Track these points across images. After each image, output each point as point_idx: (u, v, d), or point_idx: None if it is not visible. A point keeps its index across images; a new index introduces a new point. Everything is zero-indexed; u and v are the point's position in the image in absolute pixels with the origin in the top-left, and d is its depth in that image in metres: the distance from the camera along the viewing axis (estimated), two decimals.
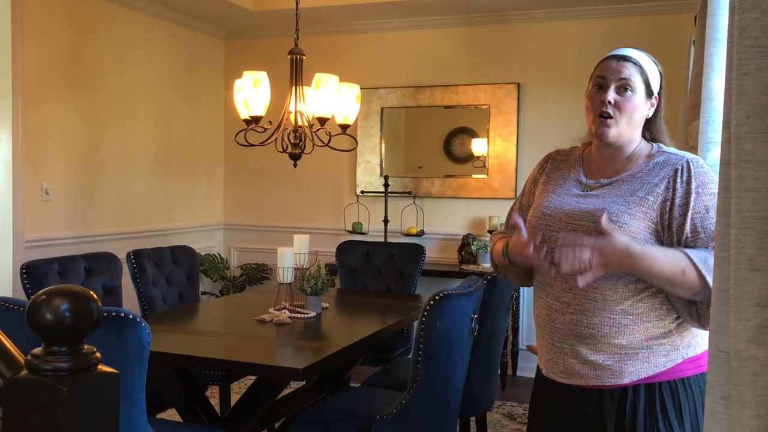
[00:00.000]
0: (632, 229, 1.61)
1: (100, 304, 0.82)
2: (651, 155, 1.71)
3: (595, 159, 1.79)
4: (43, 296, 0.80)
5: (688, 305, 1.60)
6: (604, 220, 1.54)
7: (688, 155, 1.68)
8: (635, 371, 1.63)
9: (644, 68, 1.69)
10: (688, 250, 1.56)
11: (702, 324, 1.62)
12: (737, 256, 1.02)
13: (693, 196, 1.61)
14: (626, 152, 1.74)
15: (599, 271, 1.53)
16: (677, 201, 1.62)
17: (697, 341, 1.67)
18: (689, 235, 1.60)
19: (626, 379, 1.63)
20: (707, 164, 1.70)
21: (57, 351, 0.79)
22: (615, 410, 1.65)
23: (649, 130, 1.76)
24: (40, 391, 0.78)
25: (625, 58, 1.69)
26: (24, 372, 0.80)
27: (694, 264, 1.53)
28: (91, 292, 0.83)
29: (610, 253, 1.52)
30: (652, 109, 1.73)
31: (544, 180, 1.87)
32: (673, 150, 1.72)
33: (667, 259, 1.54)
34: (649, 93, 1.70)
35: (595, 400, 1.67)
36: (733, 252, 1.03)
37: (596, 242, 1.51)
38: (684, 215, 1.61)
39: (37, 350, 0.81)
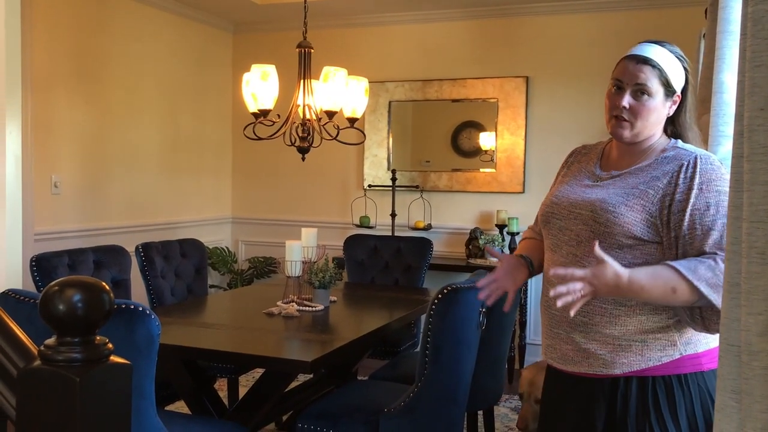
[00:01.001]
0: (627, 220, 1.61)
1: (112, 295, 0.83)
2: (664, 150, 1.70)
3: (613, 152, 1.80)
4: (56, 287, 0.80)
5: (690, 309, 1.59)
6: (596, 249, 1.52)
7: (700, 152, 1.66)
8: (627, 363, 1.63)
9: (664, 69, 1.65)
10: (678, 263, 1.54)
11: (706, 327, 1.59)
12: (749, 249, 1.01)
13: (695, 192, 1.59)
14: (642, 147, 1.72)
15: (588, 298, 1.53)
16: (677, 197, 1.60)
17: (698, 339, 1.65)
18: (686, 232, 1.58)
19: (618, 370, 1.63)
20: (720, 160, 1.67)
21: (70, 342, 0.80)
22: (606, 400, 1.65)
23: (673, 125, 1.73)
24: (53, 382, 0.78)
25: (645, 60, 1.65)
26: (37, 362, 0.80)
27: (683, 277, 1.51)
28: (103, 283, 0.83)
29: (599, 285, 1.51)
30: (674, 107, 1.70)
31: (564, 173, 1.90)
32: (687, 146, 1.69)
33: (656, 284, 1.53)
34: (670, 92, 1.67)
35: (587, 387, 1.68)
36: (744, 246, 1.02)
37: (586, 274, 1.50)
38: (683, 211, 1.59)
39: (50, 341, 0.81)
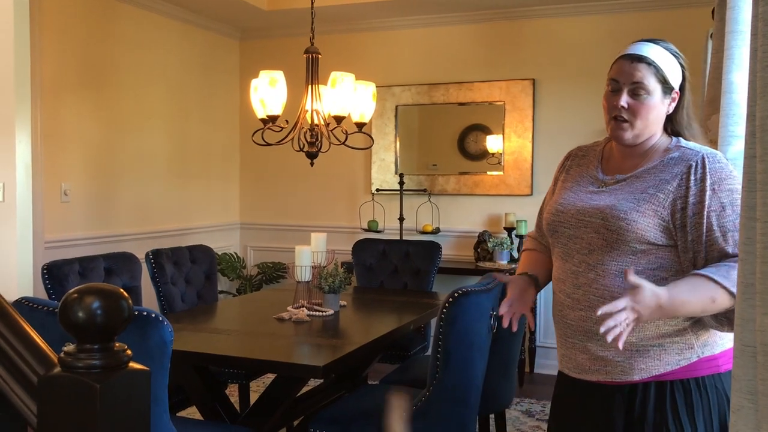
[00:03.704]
0: (640, 226, 1.59)
1: (130, 302, 0.83)
2: (668, 150, 1.67)
3: (614, 154, 1.76)
4: (75, 294, 0.81)
5: (717, 315, 1.57)
6: (630, 275, 1.47)
7: (705, 150, 1.62)
8: (645, 368, 1.61)
9: (660, 66, 1.63)
10: (712, 272, 1.50)
11: (732, 328, 1.56)
12: (763, 250, 1.01)
13: (708, 193, 1.56)
14: (644, 147, 1.69)
15: (634, 324, 1.49)
16: (691, 199, 1.57)
17: (715, 340, 1.63)
18: (705, 235, 1.56)
19: (636, 376, 1.61)
20: (726, 158, 1.64)
21: (89, 349, 0.81)
22: (624, 407, 1.63)
23: (672, 123, 1.70)
24: (73, 389, 0.79)
25: (640, 59, 1.63)
26: (57, 369, 0.81)
27: (722, 286, 1.49)
28: (121, 290, 0.84)
29: (642, 309, 1.47)
30: (674, 104, 1.68)
31: (563, 177, 1.86)
32: (690, 145, 1.66)
33: (696, 297, 1.51)
34: (667, 90, 1.65)
35: (605, 395, 1.65)
36: (759, 246, 1.02)
37: (627, 303, 1.45)
38: (699, 214, 1.56)
39: (70, 348, 0.82)
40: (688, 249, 1.58)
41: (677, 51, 1.69)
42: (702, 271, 1.53)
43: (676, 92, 1.67)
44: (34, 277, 3.79)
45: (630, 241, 1.60)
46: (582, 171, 1.80)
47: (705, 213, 1.56)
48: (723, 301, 1.51)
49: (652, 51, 1.64)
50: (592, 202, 1.68)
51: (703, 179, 1.57)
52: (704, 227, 1.56)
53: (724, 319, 1.57)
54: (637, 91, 1.63)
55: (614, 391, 1.64)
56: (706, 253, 1.57)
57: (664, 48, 1.66)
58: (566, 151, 1.94)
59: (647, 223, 1.59)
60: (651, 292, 1.46)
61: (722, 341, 1.63)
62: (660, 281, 1.58)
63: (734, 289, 1.46)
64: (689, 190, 1.58)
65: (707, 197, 1.56)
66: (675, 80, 1.66)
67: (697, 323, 1.61)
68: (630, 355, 1.61)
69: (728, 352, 1.62)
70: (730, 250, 1.54)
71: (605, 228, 1.62)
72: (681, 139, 1.69)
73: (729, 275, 1.49)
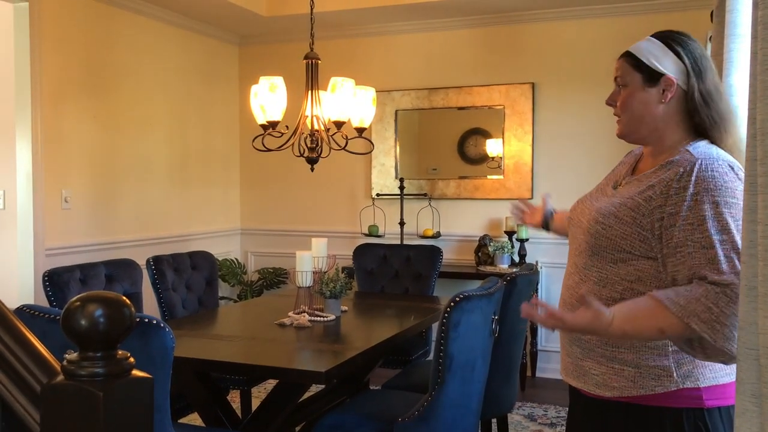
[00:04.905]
0: (616, 233, 1.52)
1: (133, 309, 0.83)
2: (677, 152, 1.53)
3: (643, 156, 1.70)
4: (78, 302, 0.81)
5: (689, 339, 1.42)
6: (584, 293, 1.43)
7: (707, 155, 1.47)
8: (618, 387, 1.53)
9: (638, 55, 1.55)
10: (664, 297, 1.38)
11: (707, 356, 1.42)
12: (765, 252, 1.01)
13: (687, 204, 1.42)
14: (659, 149, 1.59)
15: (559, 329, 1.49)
16: (668, 209, 1.45)
17: (702, 372, 1.49)
18: (677, 250, 1.43)
19: (608, 393, 1.55)
20: (732, 166, 1.47)
21: (92, 357, 0.81)
22: (599, 420, 1.59)
23: (696, 122, 1.55)
24: (76, 397, 0.79)
25: (623, 55, 1.61)
26: (60, 378, 0.81)
27: (673, 313, 1.36)
28: (124, 298, 0.84)
29: (572, 320, 1.42)
30: (669, 93, 1.53)
31: (607, 175, 1.82)
32: (700, 149, 1.50)
33: (639, 325, 1.41)
34: (650, 77, 1.54)
35: (583, 404, 1.64)
36: (760, 249, 1.02)
37: (564, 316, 1.43)
38: (673, 226, 1.43)
39: (73, 356, 0.82)
40: (666, 263, 1.46)
41: (678, 39, 1.56)
42: (658, 294, 1.40)
43: (669, 77, 1.52)
44: (34, 284, 3.79)
45: (607, 247, 1.53)
46: (618, 170, 1.77)
47: (678, 226, 1.42)
48: (676, 330, 1.38)
49: (637, 44, 1.59)
50: (595, 203, 1.65)
51: (685, 188, 1.43)
52: (675, 241, 1.43)
53: (698, 347, 1.42)
54: (619, 84, 1.61)
55: (591, 402, 1.61)
56: (679, 270, 1.43)
57: (657, 38, 1.57)
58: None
59: (624, 230, 1.51)
60: (586, 320, 1.39)
61: (713, 374, 1.49)
62: (637, 296, 1.50)
63: (689, 320, 1.34)
64: (668, 199, 1.45)
65: (684, 208, 1.42)
66: (665, 67, 1.53)
67: (679, 352, 1.49)
68: (606, 370, 1.55)
69: (717, 389, 1.49)
70: (702, 270, 1.39)
71: (587, 231, 1.59)
72: (696, 142, 1.54)
73: (687, 305, 1.36)
